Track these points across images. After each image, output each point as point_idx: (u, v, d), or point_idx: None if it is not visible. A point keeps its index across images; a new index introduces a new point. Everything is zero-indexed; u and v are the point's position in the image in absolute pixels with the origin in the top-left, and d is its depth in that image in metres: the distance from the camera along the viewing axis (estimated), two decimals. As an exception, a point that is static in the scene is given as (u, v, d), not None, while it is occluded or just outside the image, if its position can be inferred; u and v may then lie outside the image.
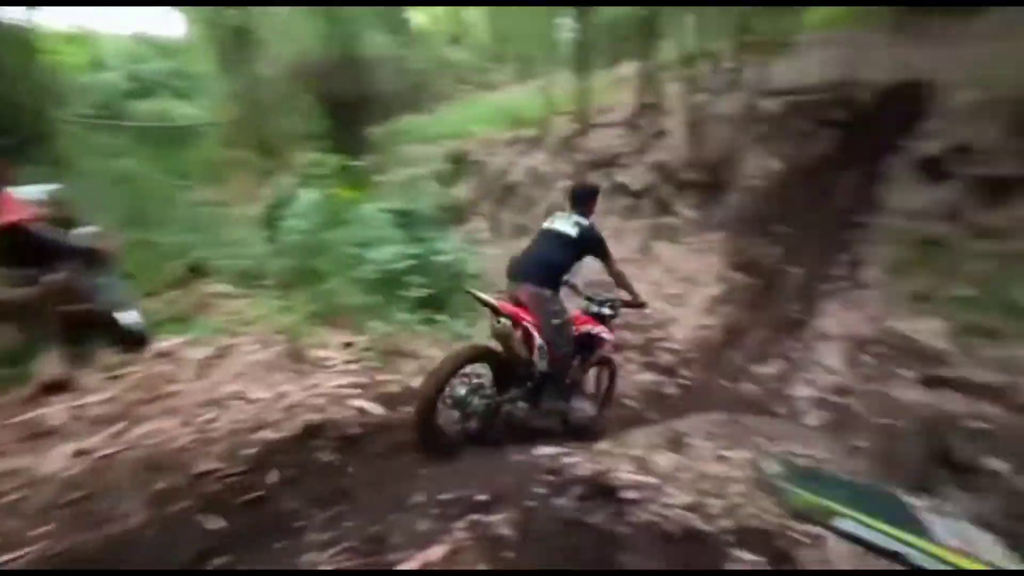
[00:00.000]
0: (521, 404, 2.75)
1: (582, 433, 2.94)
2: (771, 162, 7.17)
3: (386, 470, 2.37)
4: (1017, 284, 4.31)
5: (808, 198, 6.43)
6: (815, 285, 5.43)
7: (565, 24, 11.12)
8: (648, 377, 5.06)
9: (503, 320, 2.54)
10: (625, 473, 1.95)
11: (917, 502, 1.03)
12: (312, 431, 2.46)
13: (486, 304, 2.56)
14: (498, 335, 2.64)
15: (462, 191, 10.43)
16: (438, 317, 4.68)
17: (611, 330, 3.20)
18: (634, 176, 7.82)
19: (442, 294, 5.23)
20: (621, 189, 7.89)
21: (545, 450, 2.37)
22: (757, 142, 7.44)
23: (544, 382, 2.70)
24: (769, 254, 6.10)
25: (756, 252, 6.18)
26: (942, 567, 0.87)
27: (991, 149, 5.17)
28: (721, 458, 2.13)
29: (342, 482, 2.25)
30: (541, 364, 2.61)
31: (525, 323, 2.56)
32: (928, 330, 4.27)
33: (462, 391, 2.49)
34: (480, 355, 2.56)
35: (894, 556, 0.91)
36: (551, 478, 2.00)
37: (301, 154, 9.27)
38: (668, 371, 5.09)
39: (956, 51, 7.39)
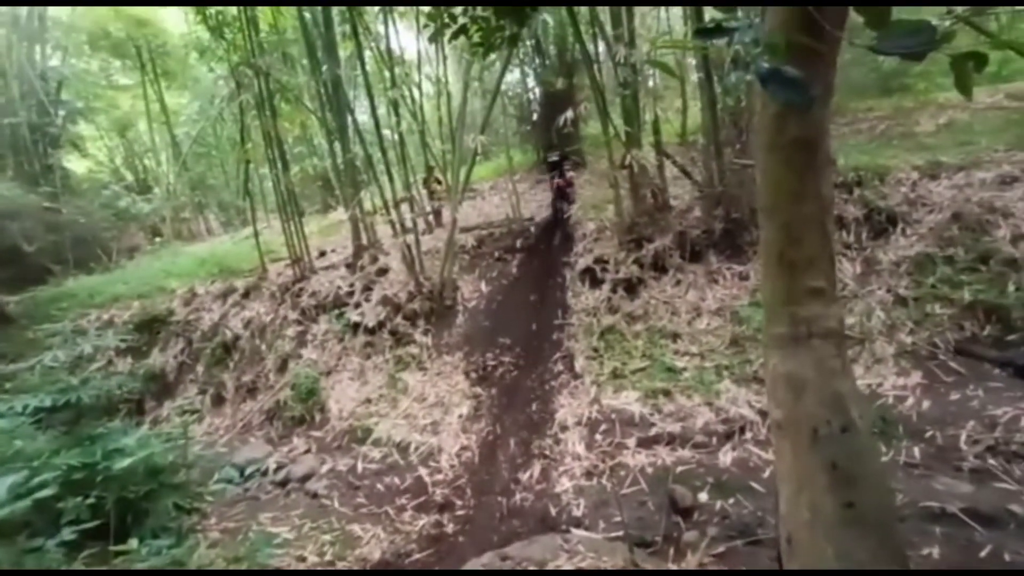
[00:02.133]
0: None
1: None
2: (480, 284, 8.26)
3: None
4: (665, 352, 5.84)
5: (517, 310, 7.58)
6: (544, 383, 6.18)
7: (265, 174, 11.00)
8: (425, 520, 4.67)
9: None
10: None
11: None
12: None
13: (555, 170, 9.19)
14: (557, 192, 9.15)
15: (163, 359, 8.52)
16: (121, 548, 3.30)
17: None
18: (366, 313, 7.81)
19: (129, 509, 3.82)
20: (356, 328, 7.73)
21: None
22: (464, 270, 8.60)
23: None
24: (501, 364, 6.74)
25: (490, 365, 6.75)
26: None
27: (616, 260, 7.15)
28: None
29: None
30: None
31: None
32: (628, 400, 5.29)
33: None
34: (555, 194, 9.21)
35: None
36: None
37: None
38: (444, 507, 4.82)
39: (575, 192, 10.34)
